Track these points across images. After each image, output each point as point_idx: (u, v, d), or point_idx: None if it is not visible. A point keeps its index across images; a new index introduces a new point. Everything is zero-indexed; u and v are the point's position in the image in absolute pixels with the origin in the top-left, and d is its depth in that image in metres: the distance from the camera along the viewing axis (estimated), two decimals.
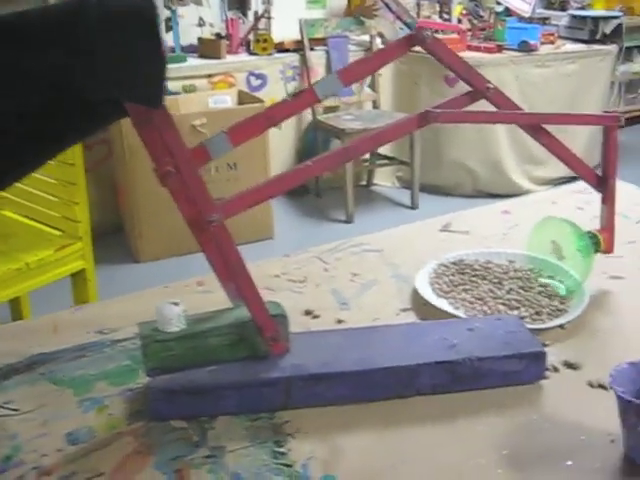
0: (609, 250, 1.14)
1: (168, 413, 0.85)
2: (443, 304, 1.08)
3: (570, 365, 0.94)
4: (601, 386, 0.89)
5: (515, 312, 1.05)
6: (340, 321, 1.05)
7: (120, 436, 0.84)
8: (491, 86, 0.95)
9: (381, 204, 3.87)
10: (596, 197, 1.53)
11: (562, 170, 4.06)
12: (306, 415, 0.86)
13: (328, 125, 3.59)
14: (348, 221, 3.58)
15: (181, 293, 1.12)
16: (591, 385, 0.90)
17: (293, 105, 0.86)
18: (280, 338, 0.88)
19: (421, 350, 0.92)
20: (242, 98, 3.52)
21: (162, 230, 3.20)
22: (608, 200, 1.13)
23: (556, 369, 0.93)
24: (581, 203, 1.50)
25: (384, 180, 4.13)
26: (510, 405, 0.87)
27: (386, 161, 3.94)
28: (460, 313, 1.05)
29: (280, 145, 3.74)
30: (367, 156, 4.03)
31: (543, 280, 1.13)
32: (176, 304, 0.86)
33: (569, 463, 0.77)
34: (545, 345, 0.98)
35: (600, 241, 1.13)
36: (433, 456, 0.79)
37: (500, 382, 0.91)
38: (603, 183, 1.12)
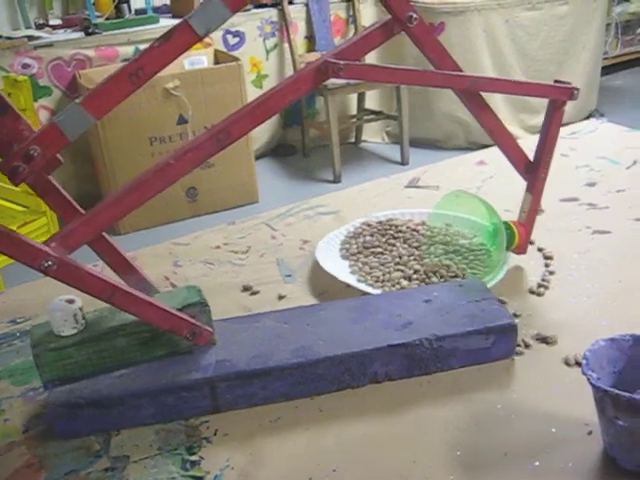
0: (520, 250, 0.93)
1: (72, 431, 0.71)
2: (340, 268, 0.95)
3: (544, 339, 0.80)
4: (579, 364, 0.75)
5: (406, 282, 0.91)
6: (282, 297, 0.92)
7: (12, 447, 0.71)
8: (415, 16, 0.74)
9: (370, 161, 3.71)
10: (583, 142, 1.38)
11: None
12: (229, 414, 0.72)
13: None
14: (336, 180, 3.43)
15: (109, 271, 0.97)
16: (567, 363, 0.76)
17: (164, 50, 0.65)
18: (201, 330, 0.74)
19: (371, 332, 0.78)
20: (219, 58, 3.35)
21: None
22: (535, 190, 0.91)
23: (527, 345, 0.79)
24: (565, 149, 1.35)
25: (373, 136, 3.97)
26: (471, 392, 0.73)
27: (373, 116, 3.77)
28: (350, 280, 0.92)
29: None
30: (354, 112, 3.86)
31: (468, 246, 0.98)
32: (71, 301, 0.72)
33: (536, 464, 0.63)
34: (515, 316, 0.84)
35: (515, 236, 0.92)
36: (373, 460, 0.65)
37: (465, 362, 0.78)
38: (533, 169, 0.90)
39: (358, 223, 1.04)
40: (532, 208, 0.92)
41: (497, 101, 3.69)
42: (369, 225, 1.04)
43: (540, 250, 0.98)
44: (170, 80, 2.96)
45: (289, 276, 0.97)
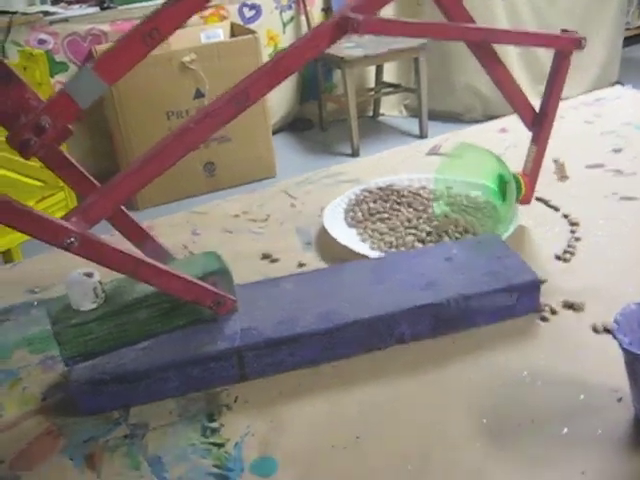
0: (525, 201, 0.93)
1: (97, 407, 0.69)
2: (350, 235, 0.94)
3: (570, 306, 0.78)
4: (607, 331, 0.73)
5: (421, 245, 0.90)
6: (302, 265, 0.90)
7: (31, 415, 0.70)
8: None
9: (388, 135, 3.68)
10: (608, 109, 1.35)
11: (578, 89, 3.83)
12: (249, 381, 0.71)
13: (328, 54, 3.37)
14: (354, 154, 3.40)
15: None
16: (595, 330, 0.74)
17: (179, 8, 0.62)
18: (224, 299, 0.73)
19: (396, 293, 0.76)
20: (235, 31, 3.32)
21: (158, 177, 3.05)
22: (540, 141, 0.90)
23: (554, 311, 0.77)
24: (589, 116, 1.32)
25: (391, 109, 3.93)
26: (496, 356, 0.71)
27: (391, 89, 3.73)
28: (363, 247, 0.90)
29: None
30: (372, 85, 3.82)
31: (471, 210, 0.96)
32: (89, 275, 0.70)
33: (564, 431, 0.62)
34: (542, 282, 0.82)
35: (522, 187, 0.91)
36: (397, 429, 0.64)
37: (490, 320, 0.77)
38: (539, 120, 0.89)
39: (358, 190, 1.03)
40: (537, 159, 0.92)
41: (517, 73, 3.64)
42: (370, 192, 1.02)
43: (566, 217, 0.96)
44: (187, 54, 2.94)
45: (309, 244, 0.95)
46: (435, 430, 0.63)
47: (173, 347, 0.70)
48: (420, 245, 0.90)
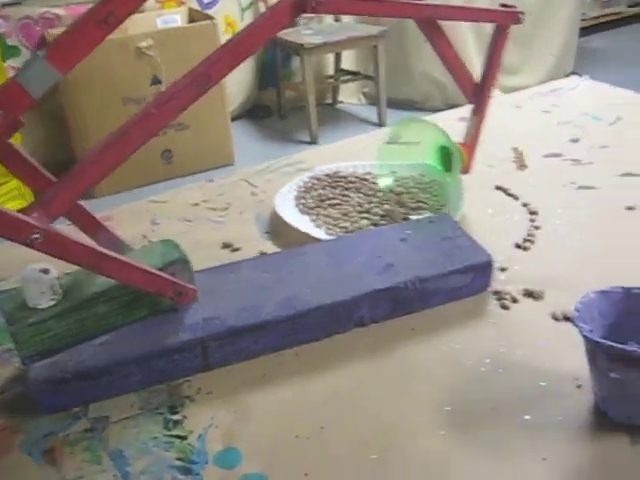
0: (465, 170, 0.95)
1: (59, 405, 0.67)
2: (303, 222, 0.94)
3: (530, 294, 0.79)
4: (567, 318, 0.74)
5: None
6: (263, 253, 0.89)
7: None
8: None
9: (347, 122, 3.67)
10: (565, 99, 1.37)
11: (535, 79, 3.87)
12: (212, 371, 0.70)
13: (287, 41, 3.35)
14: (313, 142, 3.39)
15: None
16: (555, 318, 0.75)
17: None
18: (185, 289, 0.72)
19: (355, 276, 0.77)
20: (193, 16, 3.27)
21: None
22: (479, 112, 0.93)
23: (514, 299, 0.78)
24: (547, 106, 1.34)
25: (350, 97, 3.92)
26: (458, 345, 0.72)
27: (350, 77, 3.72)
28: (319, 233, 0.91)
29: None
30: (331, 72, 3.81)
31: (418, 192, 0.99)
32: (46, 272, 0.68)
33: (526, 418, 0.62)
34: (502, 270, 0.83)
35: (463, 158, 0.93)
36: (361, 416, 0.64)
37: (445, 299, 0.79)
38: (478, 92, 0.92)
39: (306, 178, 1.04)
40: (477, 129, 0.94)
41: (472, 61, 3.66)
42: (318, 179, 1.04)
43: (525, 205, 0.97)
44: (143, 39, 2.89)
45: (269, 232, 0.95)
46: (399, 418, 0.63)
47: (134, 340, 0.69)
48: (374, 228, 0.91)
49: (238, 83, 3.51)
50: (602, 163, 1.08)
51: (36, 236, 0.59)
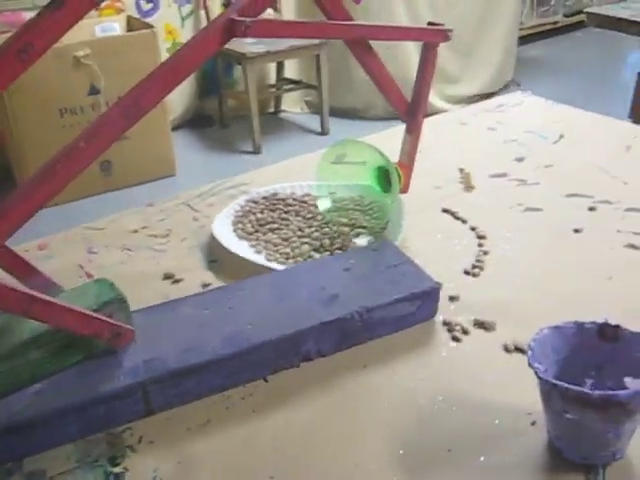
0: (403, 190, 0.93)
1: None
2: (242, 247, 0.91)
3: (481, 324, 0.77)
4: (518, 349, 0.73)
5: (317, 254, 0.90)
6: (206, 285, 0.86)
7: None
8: None
9: (290, 131, 3.65)
10: (509, 116, 1.37)
11: (475, 87, 3.91)
12: (153, 418, 0.67)
13: (228, 50, 3.31)
14: (256, 152, 3.36)
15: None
16: (507, 349, 0.74)
17: (57, 20, 0.56)
18: (122, 330, 0.68)
19: (299, 309, 0.75)
20: (132, 25, 3.21)
21: None
22: (414, 130, 0.91)
23: (465, 331, 0.77)
24: (492, 123, 1.33)
25: (292, 106, 3.90)
26: (409, 383, 0.70)
27: (293, 85, 3.70)
28: (259, 259, 0.89)
29: None
30: (273, 81, 3.78)
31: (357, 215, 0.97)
32: None
33: (481, 459, 0.60)
34: (452, 299, 0.82)
35: (401, 178, 0.91)
36: (313, 465, 0.61)
37: (392, 329, 0.77)
38: (412, 109, 0.90)
39: (243, 201, 1.01)
40: (412, 147, 0.93)
41: (414, 70, 3.67)
42: (255, 202, 1.01)
43: (473, 229, 0.96)
44: (80, 48, 2.82)
45: (213, 261, 0.91)
46: (351, 466, 0.61)
47: (71, 388, 0.65)
48: (317, 255, 0.89)
49: (179, 92, 3.45)
50: (547, 183, 1.08)
51: None
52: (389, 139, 1.23)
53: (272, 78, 3.78)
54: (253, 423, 0.65)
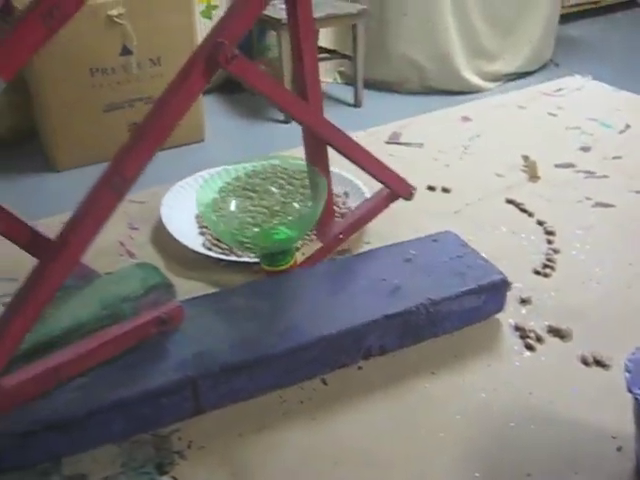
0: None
1: (24, 461, 0.57)
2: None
3: (557, 332, 0.71)
4: (598, 363, 0.67)
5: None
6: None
7: None
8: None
9: (323, 102, 3.57)
10: (570, 101, 1.29)
11: (513, 65, 3.80)
12: (203, 419, 0.61)
13: (263, 15, 3.22)
14: (286, 121, 3.28)
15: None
16: (585, 362, 0.68)
17: None
18: (169, 313, 0.63)
19: (359, 301, 0.69)
20: None
21: (79, 136, 2.86)
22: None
23: (539, 339, 0.70)
24: (552, 108, 1.26)
25: (325, 76, 3.80)
26: (482, 394, 0.64)
27: (327, 55, 3.61)
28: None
29: None
30: None
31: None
32: None
33: None
34: (524, 302, 0.76)
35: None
36: (382, 476, 0.56)
37: (458, 324, 0.71)
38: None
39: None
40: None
41: (452, 46, 3.58)
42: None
43: (540, 224, 0.89)
44: (114, 7, 2.74)
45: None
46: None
47: (115, 382, 0.59)
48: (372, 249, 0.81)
49: None
50: (616, 177, 1.01)
51: None
52: (436, 122, 1.16)
53: None
54: (312, 431, 0.60)
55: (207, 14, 3.39)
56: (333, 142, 0.72)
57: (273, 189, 0.84)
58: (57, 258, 0.55)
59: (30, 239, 0.60)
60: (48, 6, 0.50)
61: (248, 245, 0.75)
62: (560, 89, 1.34)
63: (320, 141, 0.73)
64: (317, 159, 0.75)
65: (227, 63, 0.59)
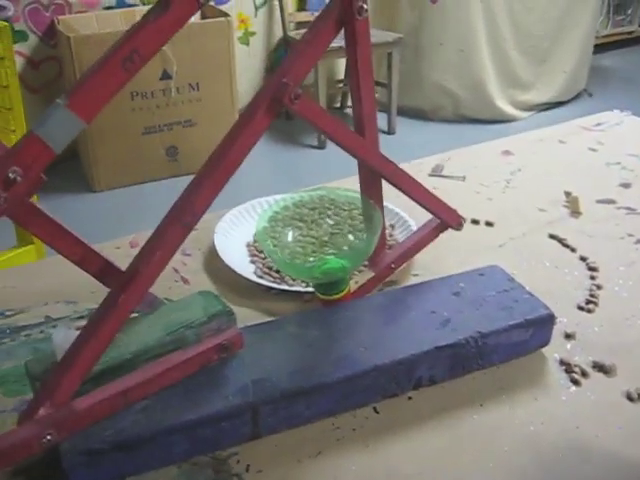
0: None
1: (94, 479, 0.59)
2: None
3: (601, 367, 0.73)
4: None
5: None
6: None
7: (6, 477, 0.61)
8: None
9: None
10: (610, 136, 1.31)
11: (547, 95, 3.82)
12: (260, 443, 0.64)
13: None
14: (320, 147, 3.32)
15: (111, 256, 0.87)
16: (630, 398, 0.69)
17: (161, 25, 0.52)
18: (230, 339, 0.66)
19: (411, 333, 0.71)
20: (207, 12, 3.20)
21: (118, 157, 2.93)
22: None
23: (584, 373, 0.72)
24: (592, 143, 1.28)
25: None
26: (528, 424, 0.66)
27: None
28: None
29: (247, 63, 3.44)
30: (341, 76, 3.75)
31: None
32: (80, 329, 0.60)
33: None
34: (568, 336, 0.77)
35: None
36: None
37: (504, 356, 0.73)
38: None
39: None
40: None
41: (486, 75, 3.61)
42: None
43: (583, 260, 0.91)
44: None
45: None
46: None
47: (178, 405, 0.62)
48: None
49: (248, 81, 3.44)
50: None
51: (49, 437, 0.57)
52: (478, 155, 1.18)
53: (341, 73, 3.74)
54: (366, 459, 0.62)
55: (244, 40, 3.47)
56: (389, 176, 0.74)
57: (322, 220, 0.86)
58: (128, 288, 0.58)
59: (102, 269, 0.64)
60: (129, 50, 0.53)
61: (304, 275, 0.78)
62: (599, 124, 1.35)
63: (375, 175, 0.76)
64: (372, 192, 0.78)
65: (291, 103, 0.62)
